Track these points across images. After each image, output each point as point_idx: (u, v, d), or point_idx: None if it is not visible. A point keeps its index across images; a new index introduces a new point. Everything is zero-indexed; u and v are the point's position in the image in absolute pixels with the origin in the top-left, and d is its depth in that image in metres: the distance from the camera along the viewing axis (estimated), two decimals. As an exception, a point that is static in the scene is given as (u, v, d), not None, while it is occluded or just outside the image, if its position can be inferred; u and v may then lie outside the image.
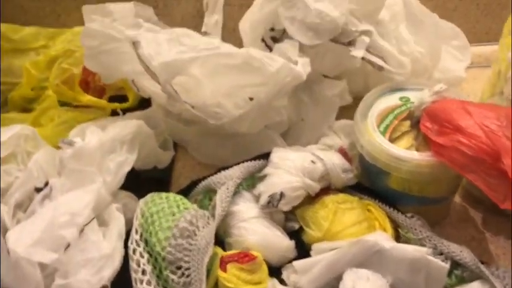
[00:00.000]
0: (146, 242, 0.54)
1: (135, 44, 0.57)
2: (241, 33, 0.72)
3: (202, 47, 0.58)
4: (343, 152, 0.62)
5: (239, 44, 0.72)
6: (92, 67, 0.63)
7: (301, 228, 0.58)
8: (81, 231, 0.51)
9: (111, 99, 0.75)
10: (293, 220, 0.59)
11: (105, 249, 0.50)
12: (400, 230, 0.56)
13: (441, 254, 0.53)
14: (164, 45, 0.57)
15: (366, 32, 0.60)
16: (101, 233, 0.52)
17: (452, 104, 0.53)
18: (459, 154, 0.49)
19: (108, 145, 0.56)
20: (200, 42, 0.59)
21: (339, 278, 0.49)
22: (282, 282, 0.54)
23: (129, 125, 0.59)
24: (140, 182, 0.63)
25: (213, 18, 0.78)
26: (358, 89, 0.71)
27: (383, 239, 0.52)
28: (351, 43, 0.60)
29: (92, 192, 0.53)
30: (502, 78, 0.57)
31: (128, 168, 0.57)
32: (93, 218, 0.53)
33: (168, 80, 0.58)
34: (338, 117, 0.69)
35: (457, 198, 0.64)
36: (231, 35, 0.79)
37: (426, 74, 0.70)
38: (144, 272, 0.51)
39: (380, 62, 0.61)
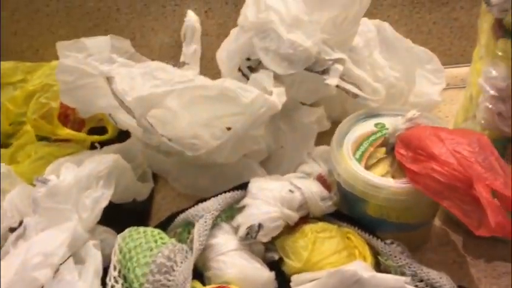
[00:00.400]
0: (125, 278, 0.53)
1: (109, 80, 0.58)
2: (219, 63, 0.72)
3: (177, 80, 0.58)
4: (322, 179, 0.62)
5: (217, 73, 0.73)
6: (68, 102, 0.63)
7: (281, 259, 0.58)
8: (57, 270, 0.50)
9: (91, 131, 0.75)
10: (273, 250, 0.58)
11: (80, 289, 0.50)
12: (379, 257, 0.56)
13: (421, 281, 0.53)
14: (138, 79, 0.58)
15: (339, 60, 0.61)
16: (76, 272, 0.51)
17: (425, 130, 0.53)
18: (433, 181, 0.50)
19: (84, 181, 0.56)
20: (174, 76, 0.59)
21: (318, 310, 0.49)
22: (262, 315, 0.53)
23: (104, 160, 0.58)
24: (120, 214, 0.62)
25: (191, 48, 0.79)
26: (336, 114, 0.71)
27: (362, 268, 0.51)
28: (324, 72, 0.61)
29: (67, 231, 0.52)
30: (474, 103, 0.57)
31: (104, 204, 0.57)
32: (69, 257, 0.52)
33: (143, 115, 0.58)
34: (318, 143, 0.69)
35: (437, 222, 0.64)
36: (209, 64, 0.80)
37: (402, 99, 0.70)
38: (122, 309, 0.51)
39: (354, 90, 0.62)
